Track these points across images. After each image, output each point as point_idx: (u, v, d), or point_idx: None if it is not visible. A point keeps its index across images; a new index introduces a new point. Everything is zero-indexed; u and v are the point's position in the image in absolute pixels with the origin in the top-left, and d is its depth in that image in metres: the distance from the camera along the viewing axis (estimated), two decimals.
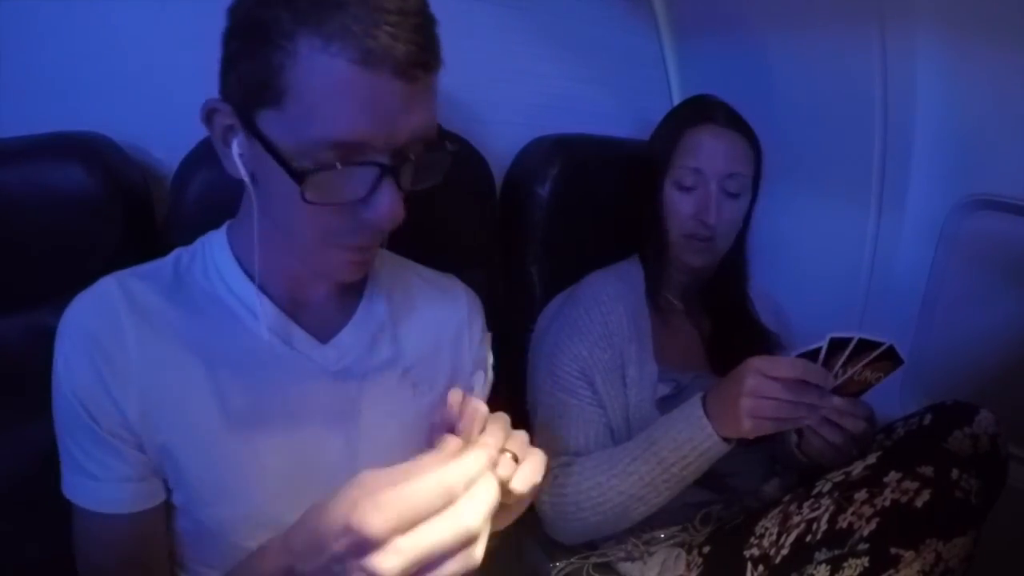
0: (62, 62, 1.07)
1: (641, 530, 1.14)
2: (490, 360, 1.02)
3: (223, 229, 0.89)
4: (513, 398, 1.29)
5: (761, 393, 0.94)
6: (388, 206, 0.72)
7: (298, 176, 0.68)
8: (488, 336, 1.04)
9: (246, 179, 0.75)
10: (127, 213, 1.02)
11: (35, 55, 1.07)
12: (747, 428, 0.95)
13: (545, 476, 0.86)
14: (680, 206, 1.27)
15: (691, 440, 1.02)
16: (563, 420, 1.17)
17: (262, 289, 0.84)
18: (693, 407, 1.03)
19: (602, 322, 1.20)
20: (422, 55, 0.68)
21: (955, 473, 0.84)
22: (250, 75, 0.68)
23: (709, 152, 1.25)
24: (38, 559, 0.97)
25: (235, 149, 0.74)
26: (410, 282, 1.00)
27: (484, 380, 1.00)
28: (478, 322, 1.04)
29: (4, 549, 0.97)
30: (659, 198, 1.29)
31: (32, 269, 0.97)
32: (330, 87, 0.65)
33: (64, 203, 0.96)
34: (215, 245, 0.87)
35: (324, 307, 0.90)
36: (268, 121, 0.69)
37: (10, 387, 0.85)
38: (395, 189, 0.72)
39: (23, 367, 0.83)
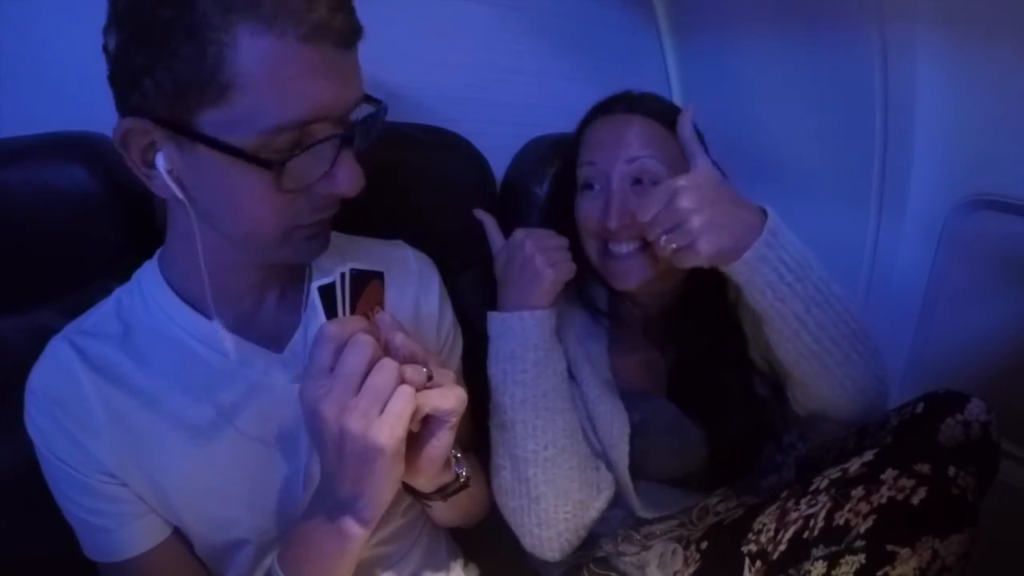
0: (63, 62, 1.08)
1: (638, 525, 1.14)
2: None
3: (155, 259, 0.88)
4: None
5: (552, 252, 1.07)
6: (350, 175, 0.73)
7: (272, 166, 0.67)
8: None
9: (180, 196, 0.71)
10: (128, 213, 1.02)
11: (36, 55, 1.07)
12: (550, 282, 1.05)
13: None
14: (586, 214, 1.13)
15: (517, 330, 1.06)
16: None
17: (204, 311, 0.84)
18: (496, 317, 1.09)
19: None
20: (354, 22, 0.69)
21: (952, 471, 0.84)
22: (178, 79, 0.64)
23: (602, 142, 1.12)
24: (36, 558, 0.97)
25: (162, 165, 0.70)
26: (356, 262, 0.98)
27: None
28: (433, 282, 1.05)
29: (2, 549, 0.98)
30: (574, 214, 1.17)
31: (33, 269, 0.98)
32: (281, 69, 0.64)
33: (65, 203, 0.97)
34: (149, 278, 0.86)
35: (274, 314, 0.89)
36: (211, 122, 0.66)
37: (10, 387, 0.85)
38: (352, 157, 0.73)
39: (23, 367, 0.83)
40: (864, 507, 0.85)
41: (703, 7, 1.62)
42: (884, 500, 0.84)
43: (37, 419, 0.81)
